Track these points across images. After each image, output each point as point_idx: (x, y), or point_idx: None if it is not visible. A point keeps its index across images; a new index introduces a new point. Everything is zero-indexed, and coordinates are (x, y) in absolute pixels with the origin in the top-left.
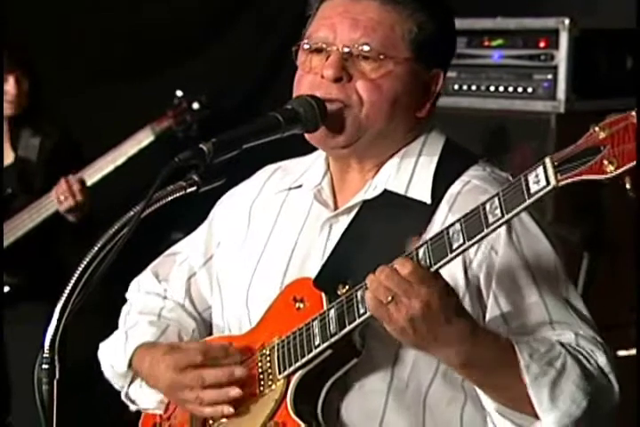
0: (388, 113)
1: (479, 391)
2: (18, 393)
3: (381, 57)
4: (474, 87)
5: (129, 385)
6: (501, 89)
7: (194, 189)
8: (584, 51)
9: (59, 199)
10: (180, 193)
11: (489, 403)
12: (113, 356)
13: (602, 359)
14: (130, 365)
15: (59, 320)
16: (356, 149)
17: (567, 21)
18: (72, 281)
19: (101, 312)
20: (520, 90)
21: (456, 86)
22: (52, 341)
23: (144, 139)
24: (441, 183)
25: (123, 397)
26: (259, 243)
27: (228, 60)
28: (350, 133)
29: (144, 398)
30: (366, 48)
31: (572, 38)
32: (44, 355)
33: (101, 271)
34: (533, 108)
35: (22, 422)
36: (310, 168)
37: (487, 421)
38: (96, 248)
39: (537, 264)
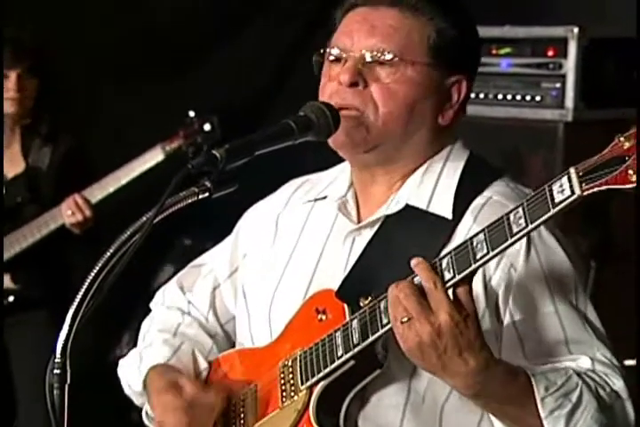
0: (405, 119)
1: (492, 417)
2: (22, 398)
3: (396, 60)
4: (482, 95)
5: (148, 402)
6: (509, 97)
7: (206, 195)
8: (593, 60)
9: (67, 214)
10: (193, 199)
11: None
12: (130, 376)
13: (619, 384)
14: (145, 386)
15: (70, 326)
16: (378, 155)
17: (576, 30)
18: (84, 287)
19: (106, 317)
20: (528, 98)
21: None
22: (64, 346)
23: (154, 157)
24: (463, 198)
25: (144, 415)
26: (284, 254)
27: (242, 60)
28: (367, 139)
29: None
30: (382, 53)
31: (580, 47)
32: (56, 360)
33: (113, 278)
34: (541, 117)
35: (28, 426)
36: (335, 180)
37: None
38: (108, 255)
39: (554, 281)
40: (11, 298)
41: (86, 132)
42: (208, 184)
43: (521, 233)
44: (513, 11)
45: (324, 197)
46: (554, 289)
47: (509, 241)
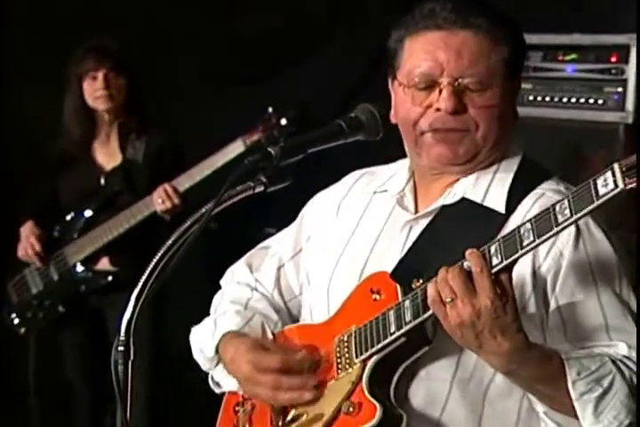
0: (500, 130)
1: (529, 395)
2: None
3: (486, 86)
4: (548, 98)
5: (215, 367)
6: (574, 100)
7: (261, 189)
8: None
9: (158, 202)
10: (249, 193)
11: (538, 405)
12: (203, 341)
13: None
14: (217, 351)
15: (134, 307)
16: (469, 166)
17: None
18: (147, 272)
19: (198, 305)
20: (591, 101)
21: (531, 97)
22: (128, 325)
23: (235, 149)
24: (516, 195)
25: (209, 380)
26: (342, 239)
27: (326, 68)
28: (467, 153)
29: (227, 380)
30: (473, 80)
31: None
32: (120, 338)
33: (174, 263)
34: (603, 119)
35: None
36: (396, 175)
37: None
38: (169, 242)
39: (600, 270)
40: (109, 278)
41: (179, 128)
42: (264, 179)
43: (566, 223)
44: (578, 19)
45: (385, 191)
46: (599, 278)
47: (554, 230)
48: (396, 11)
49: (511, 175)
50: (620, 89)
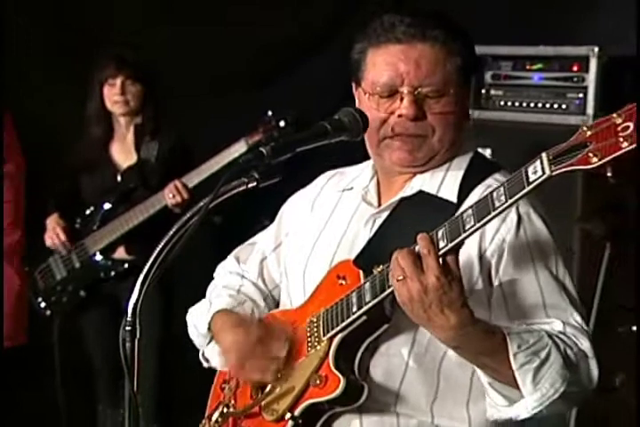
0: (455, 133)
1: (475, 367)
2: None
3: (442, 92)
4: (517, 104)
5: (207, 345)
6: (540, 105)
7: (254, 185)
8: (610, 74)
9: (169, 197)
10: (242, 188)
11: (483, 377)
12: (198, 318)
13: (586, 345)
14: (209, 328)
15: (139, 291)
16: (427, 166)
17: (596, 49)
18: (150, 260)
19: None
20: (555, 106)
21: (502, 103)
22: (134, 307)
23: (238, 149)
24: (467, 187)
25: (200, 356)
26: (316, 232)
27: (325, 73)
28: (425, 156)
29: (216, 357)
30: (431, 89)
31: (600, 64)
32: (128, 319)
33: (175, 252)
34: (566, 122)
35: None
36: (361, 174)
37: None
38: (170, 233)
39: (538, 254)
40: (126, 265)
41: (191, 129)
42: (256, 176)
43: (501, 207)
44: (544, 32)
45: (351, 188)
46: (537, 260)
47: (492, 214)
48: (394, 11)
49: (463, 169)
50: (581, 95)
